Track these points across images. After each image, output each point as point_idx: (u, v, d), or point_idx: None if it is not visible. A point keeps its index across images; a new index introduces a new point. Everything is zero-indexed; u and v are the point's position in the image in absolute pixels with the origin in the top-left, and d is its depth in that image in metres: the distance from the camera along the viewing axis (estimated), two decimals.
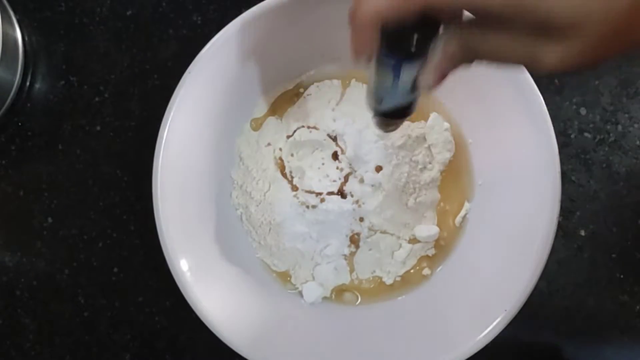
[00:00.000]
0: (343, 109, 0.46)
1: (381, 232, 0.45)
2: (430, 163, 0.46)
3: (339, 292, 0.47)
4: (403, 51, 0.26)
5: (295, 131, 0.46)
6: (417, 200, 0.45)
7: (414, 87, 0.29)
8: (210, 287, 0.43)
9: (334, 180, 0.45)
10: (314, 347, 0.43)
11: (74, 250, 0.50)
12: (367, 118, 0.43)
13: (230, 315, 0.42)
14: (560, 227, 0.44)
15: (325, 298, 0.46)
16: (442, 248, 0.46)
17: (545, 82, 0.47)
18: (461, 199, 0.46)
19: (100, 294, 0.50)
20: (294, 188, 0.45)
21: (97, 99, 0.51)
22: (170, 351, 0.49)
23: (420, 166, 0.46)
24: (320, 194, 0.44)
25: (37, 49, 0.51)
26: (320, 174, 0.45)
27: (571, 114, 0.48)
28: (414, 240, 0.46)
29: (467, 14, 0.24)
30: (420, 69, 0.27)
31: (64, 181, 0.50)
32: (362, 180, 0.44)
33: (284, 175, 0.46)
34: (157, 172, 0.42)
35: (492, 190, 0.45)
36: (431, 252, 0.46)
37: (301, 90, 0.48)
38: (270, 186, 0.46)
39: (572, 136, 0.48)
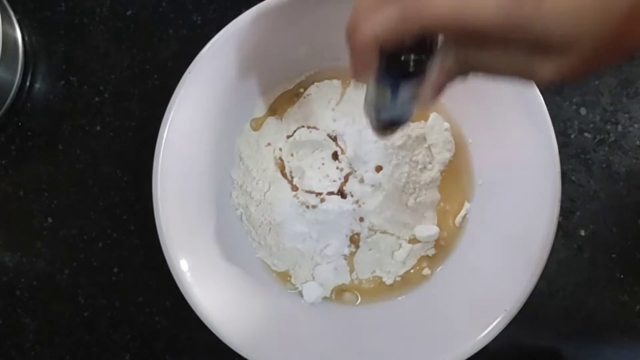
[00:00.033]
0: (343, 109, 0.46)
1: (381, 232, 0.45)
2: (430, 163, 0.46)
3: (339, 292, 0.47)
4: (401, 71, 0.27)
5: (295, 131, 0.46)
6: (417, 200, 0.45)
7: (411, 100, 0.30)
8: (210, 287, 0.43)
9: (334, 180, 0.45)
10: (314, 347, 0.43)
11: (74, 250, 0.50)
12: None
13: (230, 315, 0.42)
14: (560, 227, 0.44)
15: (325, 298, 0.46)
16: (442, 248, 0.46)
17: None
18: (461, 199, 0.46)
19: (100, 294, 0.50)
20: (294, 188, 0.45)
21: (97, 99, 0.51)
22: (170, 351, 0.49)
23: (420, 166, 0.46)
24: (320, 194, 0.44)
25: (37, 49, 0.51)
26: (320, 174, 0.45)
27: (571, 114, 0.48)
28: (414, 240, 0.46)
29: None
30: (418, 85, 0.28)
31: (64, 181, 0.50)
32: (362, 180, 0.44)
33: (284, 175, 0.46)
34: (157, 172, 0.42)
35: (492, 190, 0.45)
36: (431, 252, 0.46)
37: (301, 90, 0.48)
38: (270, 186, 0.46)
39: (572, 136, 0.48)
